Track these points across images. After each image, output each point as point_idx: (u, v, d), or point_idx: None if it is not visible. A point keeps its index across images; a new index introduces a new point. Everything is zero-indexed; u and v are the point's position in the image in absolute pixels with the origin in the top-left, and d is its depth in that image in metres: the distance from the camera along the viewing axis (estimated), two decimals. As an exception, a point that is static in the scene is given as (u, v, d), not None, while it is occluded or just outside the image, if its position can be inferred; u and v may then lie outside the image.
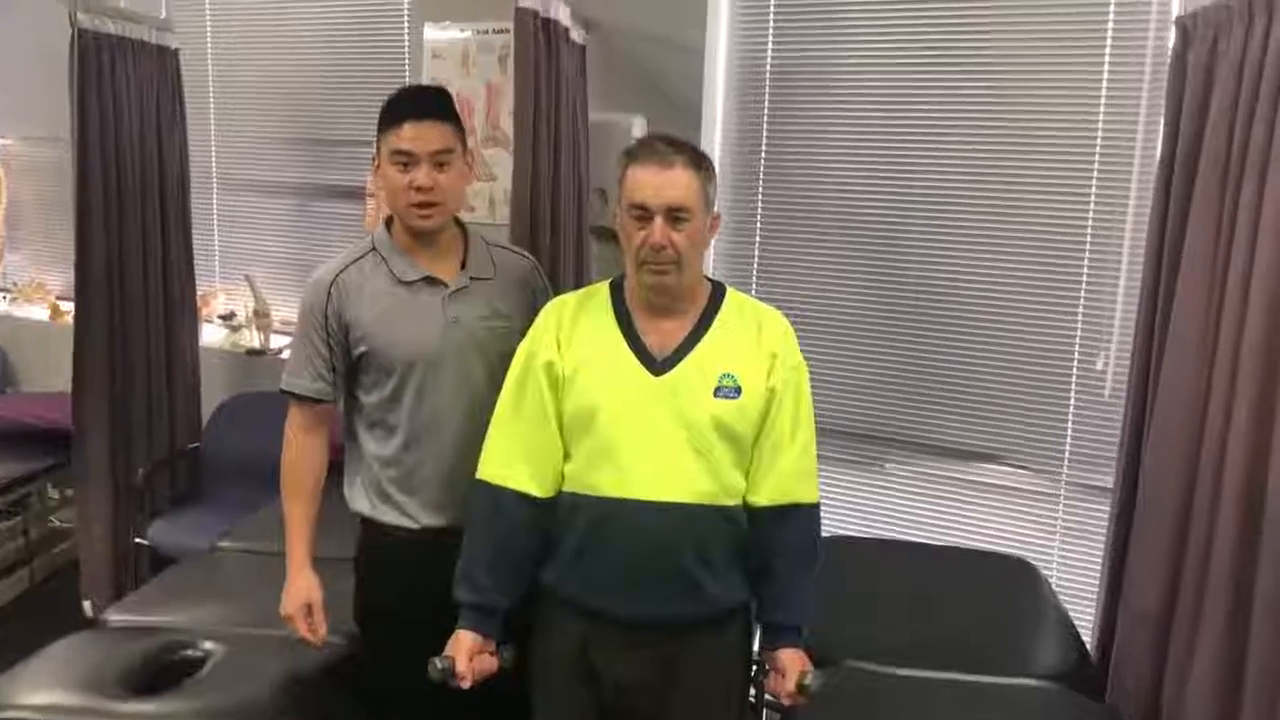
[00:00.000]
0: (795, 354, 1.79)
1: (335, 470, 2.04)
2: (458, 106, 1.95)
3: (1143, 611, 2.10)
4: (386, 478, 1.94)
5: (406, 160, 1.84)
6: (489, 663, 1.74)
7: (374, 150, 1.92)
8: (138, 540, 3.31)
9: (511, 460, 1.75)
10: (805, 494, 1.77)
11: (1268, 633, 1.77)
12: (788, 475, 1.75)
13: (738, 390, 1.70)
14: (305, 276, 3.89)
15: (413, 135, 1.82)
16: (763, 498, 1.74)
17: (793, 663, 1.73)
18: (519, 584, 1.77)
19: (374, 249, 1.95)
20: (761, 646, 1.82)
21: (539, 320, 1.81)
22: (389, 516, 1.95)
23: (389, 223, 1.97)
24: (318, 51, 3.70)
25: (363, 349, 1.90)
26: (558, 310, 1.80)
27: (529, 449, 1.74)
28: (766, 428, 1.74)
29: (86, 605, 3.28)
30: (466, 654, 1.71)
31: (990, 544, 2.84)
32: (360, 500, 1.98)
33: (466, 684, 1.69)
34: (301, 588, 1.94)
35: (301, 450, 1.96)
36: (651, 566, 1.68)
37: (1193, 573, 1.97)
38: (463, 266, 1.97)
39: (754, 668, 1.86)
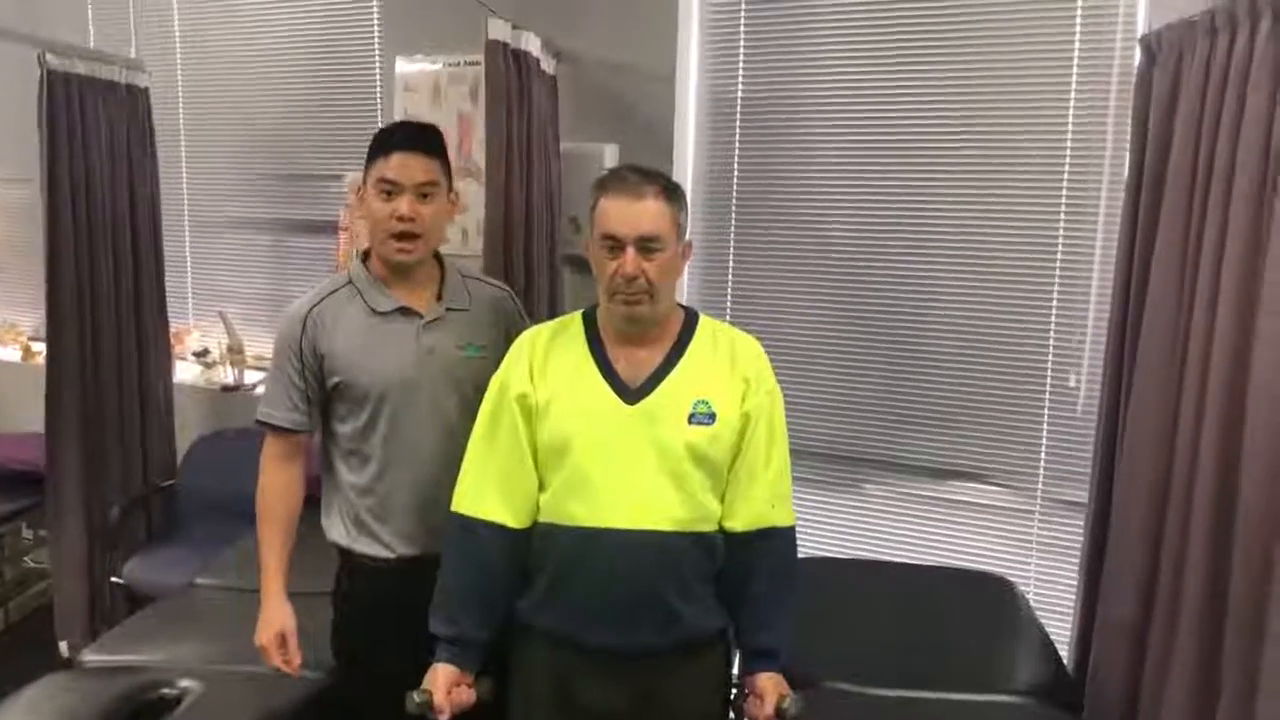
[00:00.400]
0: (769, 379, 1.80)
1: (312, 504, 2.04)
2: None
3: (1118, 624, 2.12)
4: (363, 507, 1.94)
5: (391, 189, 1.86)
6: (466, 695, 1.73)
7: (360, 181, 1.94)
8: (113, 579, 3.27)
9: (486, 492, 1.75)
10: (781, 518, 1.78)
11: (1242, 642, 1.78)
12: (763, 500, 1.75)
13: (712, 417, 1.71)
14: (278, 312, 3.90)
15: (399, 165, 1.86)
16: (739, 523, 1.75)
17: (771, 687, 1.72)
18: (495, 616, 1.76)
19: (350, 282, 1.97)
20: (740, 671, 1.82)
21: (511, 352, 1.82)
22: (365, 546, 1.95)
23: (365, 256, 1.99)
24: (288, 86, 3.71)
25: (337, 379, 1.91)
26: (530, 341, 1.81)
27: (503, 481, 1.75)
28: (741, 453, 1.75)
29: (62, 646, 3.24)
30: (444, 687, 1.70)
31: (967, 561, 2.86)
32: (337, 530, 1.98)
33: (444, 717, 1.68)
34: (275, 617, 1.94)
35: (277, 480, 1.98)
36: (628, 595, 1.68)
37: (1167, 584, 1.99)
38: (438, 298, 1.98)
39: (733, 692, 1.86)
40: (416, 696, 1.68)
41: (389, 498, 1.93)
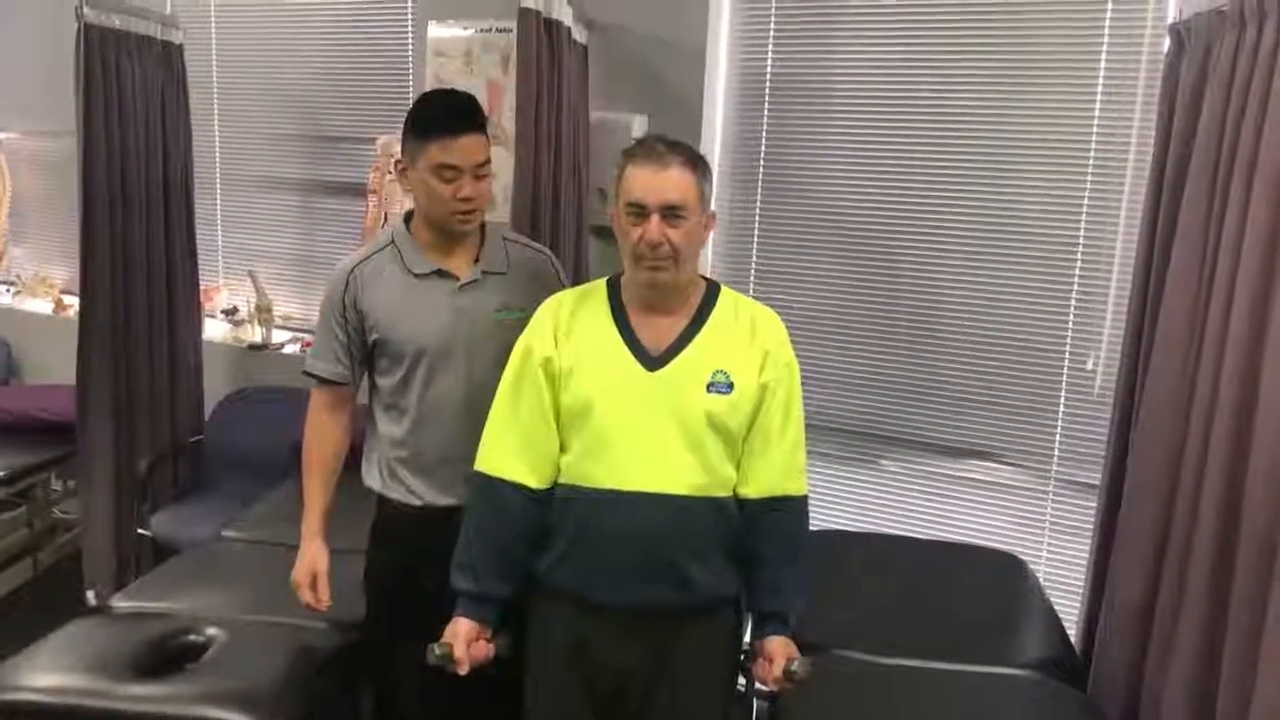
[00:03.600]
0: (787, 352, 1.83)
1: (356, 459, 2.13)
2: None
3: (1125, 604, 2.14)
4: (395, 457, 2.04)
5: (453, 175, 1.92)
6: (485, 650, 1.79)
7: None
8: (140, 531, 3.35)
9: (509, 452, 1.80)
10: (794, 487, 1.82)
11: (1244, 625, 1.81)
12: (777, 469, 1.79)
13: (730, 386, 1.75)
14: (307, 273, 3.96)
15: (460, 150, 1.91)
16: (753, 490, 1.79)
17: (780, 650, 1.77)
18: (515, 573, 1.82)
19: (393, 242, 2.04)
20: (751, 635, 1.86)
21: (537, 316, 1.86)
22: (396, 493, 2.05)
23: (408, 218, 2.07)
24: (321, 48, 3.73)
25: (376, 336, 2.00)
26: (555, 307, 1.85)
27: (526, 441, 1.79)
28: (757, 423, 1.79)
29: (90, 594, 3.32)
30: (464, 640, 1.75)
31: (980, 539, 2.89)
32: (373, 477, 2.09)
33: (464, 670, 1.74)
34: (310, 557, 2.06)
35: (321, 429, 2.08)
36: (644, 556, 1.73)
37: (1174, 566, 2.01)
38: (476, 261, 2.05)
39: (743, 657, 1.90)
40: (437, 649, 1.73)
41: (421, 451, 2.01)
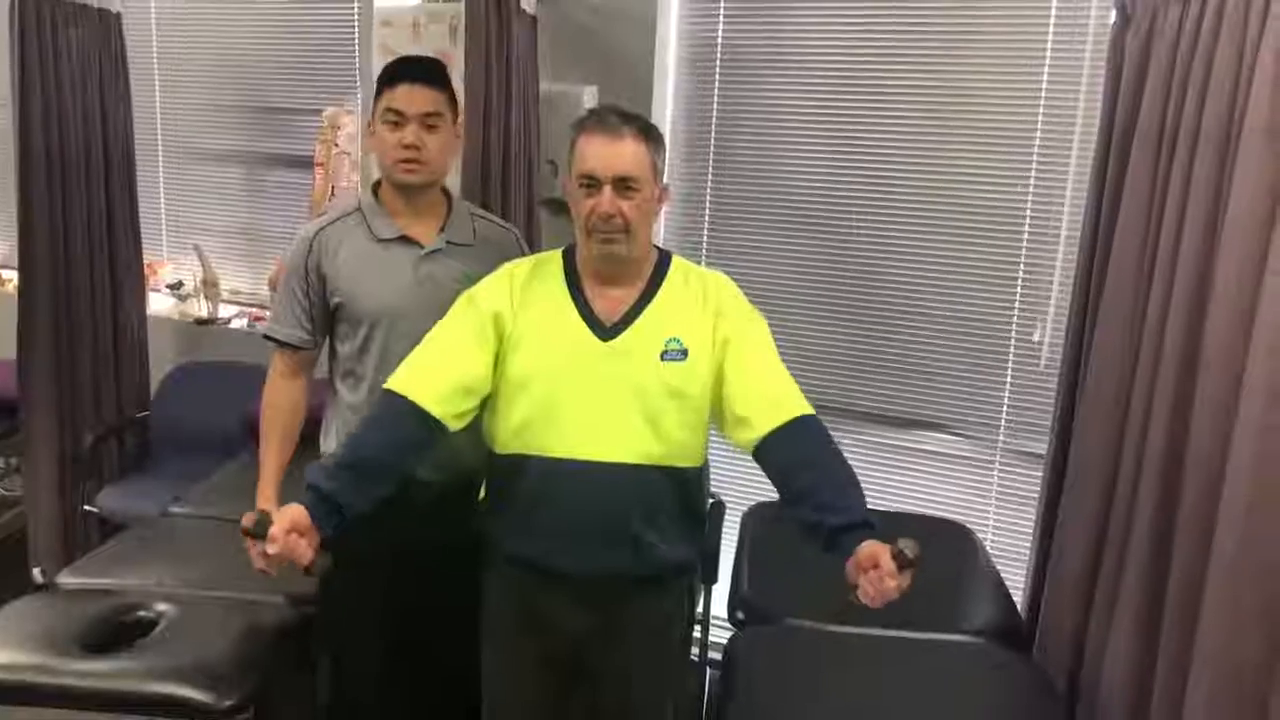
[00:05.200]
0: (743, 307, 1.83)
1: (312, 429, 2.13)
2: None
3: (1070, 572, 2.19)
4: (355, 425, 1.99)
5: (397, 120, 1.95)
6: (302, 548, 1.62)
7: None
8: (86, 508, 3.29)
9: (419, 375, 1.75)
10: (800, 408, 1.74)
11: (1184, 593, 1.86)
12: (773, 399, 1.73)
13: (684, 353, 1.75)
14: (253, 246, 3.88)
15: (404, 96, 1.96)
16: (760, 429, 1.71)
17: (879, 548, 1.56)
18: (373, 493, 1.72)
19: (359, 208, 2.06)
20: (842, 557, 1.63)
21: (491, 278, 1.85)
22: None
23: (376, 187, 2.09)
24: (265, 18, 3.65)
25: (337, 300, 2.01)
26: (511, 273, 1.84)
27: (444, 368, 1.75)
28: (731, 376, 1.75)
29: (36, 572, 3.27)
30: (288, 522, 1.61)
31: (928, 509, 2.93)
32: (331, 444, 2.09)
33: (273, 549, 1.59)
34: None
35: (279, 393, 2.08)
36: (598, 525, 1.74)
37: (1117, 535, 2.06)
38: (440, 231, 2.06)
39: (696, 629, 1.92)
40: (256, 516, 1.63)
41: None
